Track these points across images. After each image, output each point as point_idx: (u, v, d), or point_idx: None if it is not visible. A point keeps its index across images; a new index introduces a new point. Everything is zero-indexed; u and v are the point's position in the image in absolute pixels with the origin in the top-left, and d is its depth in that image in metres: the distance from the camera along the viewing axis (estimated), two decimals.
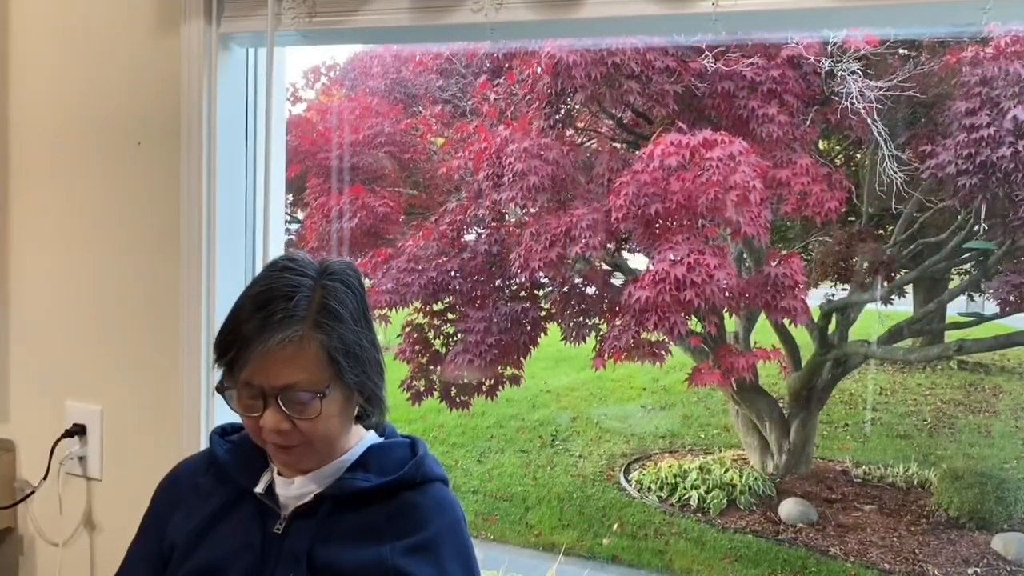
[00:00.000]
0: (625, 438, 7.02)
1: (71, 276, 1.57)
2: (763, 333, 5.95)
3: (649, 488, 5.90)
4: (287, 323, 0.91)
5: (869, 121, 4.59)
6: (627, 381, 8.01)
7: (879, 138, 4.70)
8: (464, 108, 5.65)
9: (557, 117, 4.89)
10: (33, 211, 1.61)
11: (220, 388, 0.97)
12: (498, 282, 5.04)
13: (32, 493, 1.59)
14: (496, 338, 4.77)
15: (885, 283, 5.47)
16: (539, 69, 4.63)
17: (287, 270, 0.96)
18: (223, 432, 1.11)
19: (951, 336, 6.46)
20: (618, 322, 4.55)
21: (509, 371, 5.02)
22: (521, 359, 4.99)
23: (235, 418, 1.10)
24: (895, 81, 4.55)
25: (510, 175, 4.52)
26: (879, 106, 4.56)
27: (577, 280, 4.97)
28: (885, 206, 5.24)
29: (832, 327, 5.85)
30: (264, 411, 0.93)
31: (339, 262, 1.01)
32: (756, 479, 5.73)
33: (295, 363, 0.92)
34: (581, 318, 4.94)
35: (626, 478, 6.20)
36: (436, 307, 5.14)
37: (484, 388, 5.06)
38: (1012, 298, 4.81)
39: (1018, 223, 4.47)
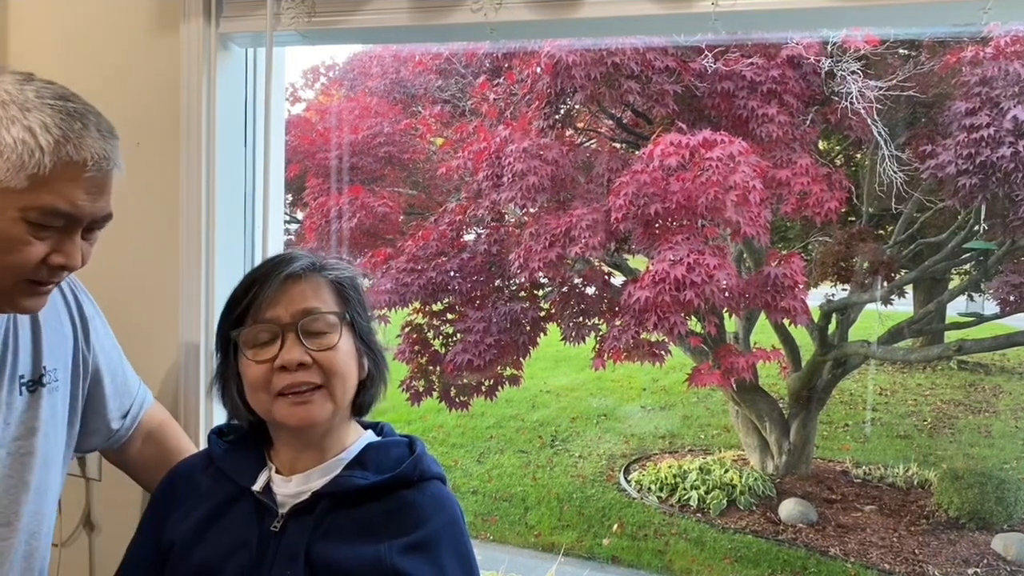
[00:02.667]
0: (625, 438, 7.02)
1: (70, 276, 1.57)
2: (763, 333, 5.96)
3: (649, 488, 5.90)
4: (298, 261, 1.00)
5: (869, 121, 4.59)
6: (627, 381, 8.02)
7: (879, 138, 4.70)
8: (464, 108, 5.65)
9: (557, 117, 4.89)
10: None
11: (226, 344, 1.01)
12: (498, 282, 5.04)
13: None
14: (496, 338, 4.77)
15: (885, 283, 5.48)
16: (539, 69, 4.63)
17: (283, 251, 1.10)
18: (221, 432, 1.11)
19: (951, 336, 6.47)
20: (618, 322, 4.55)
21: (509, 371, 5.02)
22: (521, 359, 4.99)
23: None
24: (895, 81, 4.56)
25: (510, 175, 4.52)
26: (879, 106, 4.56)
27: (577, 280, 4.97)
28: (885, 206, 5.24)
29: (832, 327, 5.85)
30: (281, 350, 0.96)
31: (333, 256, 1.08)
32: (756, 479, 5.73)
33: (311, 291, 0.99)
34: (581, 318, 4.94)
35: (626, 478, 6.20)
36: (436, 307, 5.14)
37: (484, 388, 5.06)
38: (1012, 298, 4.81)
39: (1018, 223, 4.47)
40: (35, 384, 1.02)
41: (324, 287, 1.00)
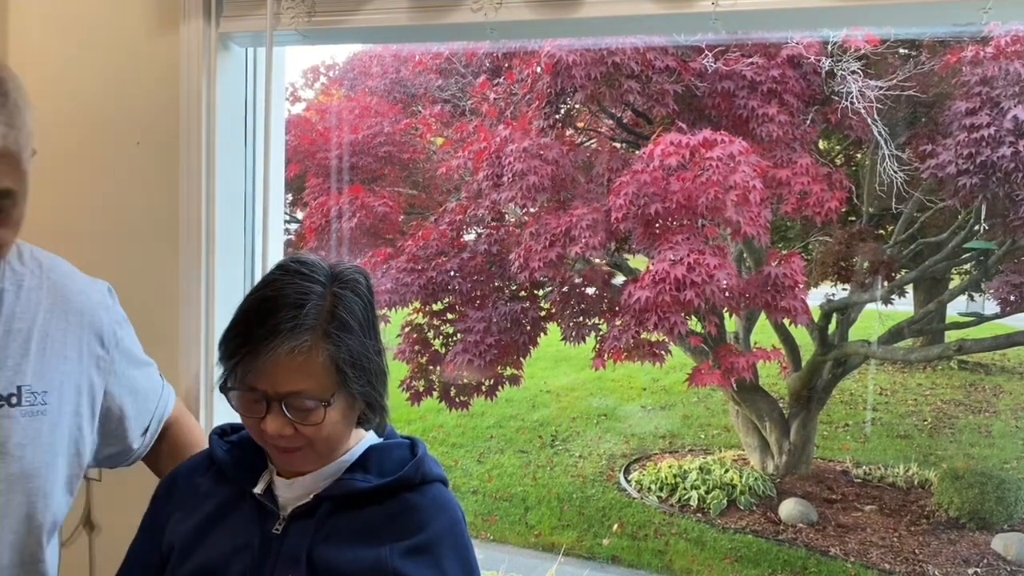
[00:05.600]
0: (625, 438, 7.02)
1: None
2: (763, 333, 5.96)
3: (649, 488, 5.90)
4: (296, 332, 0.91)
5: (869, 121, 4.59)
6: (627, 381, 8.02)
7: (879, 138, 4.70)
8: (464, 108, 5.65)
9: (557, 117, 4.89)
10: (32, 211, 1.61)
11: (223, 388, 0.96)
12: (498, 282, 5.04)
13: None
14: (496, 338, 4.76)
15: (885, 283, 5.48)
16: (539, 69, 4.63)
17: (298, 275, 0.95)
18: (222, 432, 1.11)
19: (951, 336, 6.47)
20: (618, 322, 4.55)
21: (509, 371, 5.02)
22: (521, 359, 4.99)
23: (235, 418, 1.10)
24: (895, 81, 4.55)
25: (510, 175, 4.52)
26: (879, 106, 4.56)
27: (577, 280, 4.97)
28: (885, 206, 5.24)
29: (832, 327, 5.85)
30: (267, 415, 0.93)
31: (350, 268, 0.99)
32: (756, 479, 5.73)
33: (302, 372, 0.91)
34: (581, 318, 4.94)
35: (626, 478, 6.20)
36: (436, 307, 5.14)
37: (484, 388, 5.06)
38: (1012, 298, 4.81)
39: (1018, 223, 4.47)
40: (2, 401, 0.96)
41: (318, 364, 0.92)
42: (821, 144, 5.56)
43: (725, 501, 5.57)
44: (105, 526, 1.56)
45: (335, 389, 0.93)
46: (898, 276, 5.68)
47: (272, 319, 0.91)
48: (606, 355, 4.57)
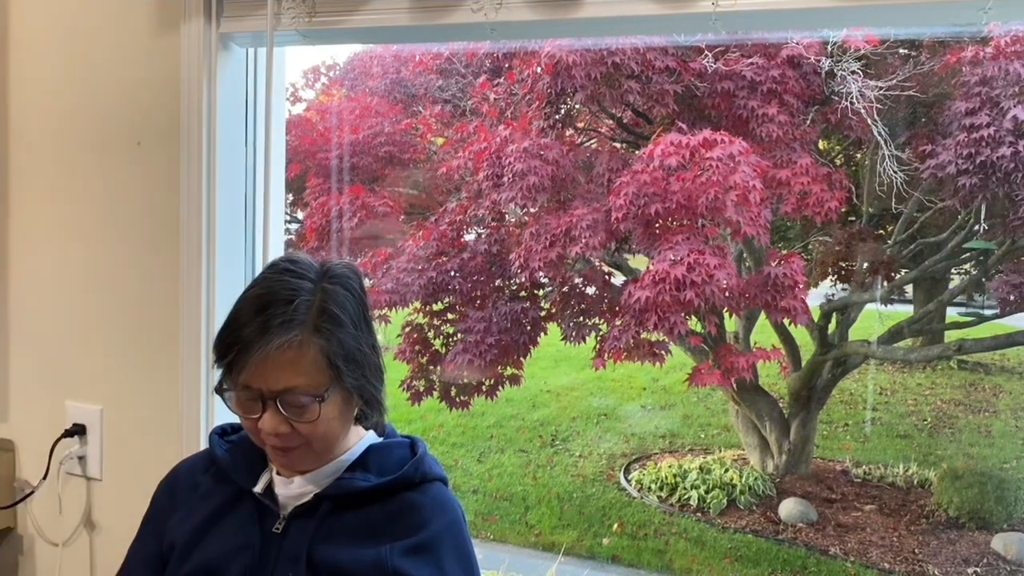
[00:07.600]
0: (625, 438, 7.02)
1: (71, 276, 1.57)
2: (763, 333, 5.96)
3: (649, 488, 5.90)
4: (286, 327, 0.91)
5: (869, 121, 4.59)
6: (627, 381, 8.01)
7: (879, 138, 4.70)
8: (464, 108, 5.65)
9: (557, 117, 4.89)
10: (33, 211, 1.61)
11: (219, 389, 0.97)
12: (498, 282, 5.04)
13: (32, 493, 1.60)
14: (496, 338, 4.76)
15: (885, 283, 5.47)
16: (539, 69, 4.63)
17: (287, 272, 0.95)
18: (223, 432, 1.11)
19: (951, 336, 6.46)
20: (618, 322, 4.55)
21: (509, 371, 5.02)
22: (521, 359, 4.99)
23: (235, 418, 1.10)
24: (895, 81, 4.55)
25: (510, 175, 4.52)
26: (879, 106, 4.56)
27: (577, 280, 4.97)
28: (885, 206, 5.24)
29: (832, 327, 5.85)
30: (263, 413, 0.93)
31: (340, 264, 1.00)
32: (756, 479, 5.73)
33: (294, 367, 0.92)
34: (581, 318, 4.94)
35: (626, 478, 6.20)
36: (436, 307, 5.14)
37: (484, 388, 5.06)
38: (1012, 298, 4.81)
39: (1018, 223, 4.47)
40: None
41: (310, 359, 0.92)
42: (821, 144, 5.56)
43: (725, 501, 5.57)
44: (105, 526, 1.56)
45: (328, 384, 0.93)
46: (898, 276, 5.68)
47: (261, 316, 0.92)
48: (606, 355, 4.57)
